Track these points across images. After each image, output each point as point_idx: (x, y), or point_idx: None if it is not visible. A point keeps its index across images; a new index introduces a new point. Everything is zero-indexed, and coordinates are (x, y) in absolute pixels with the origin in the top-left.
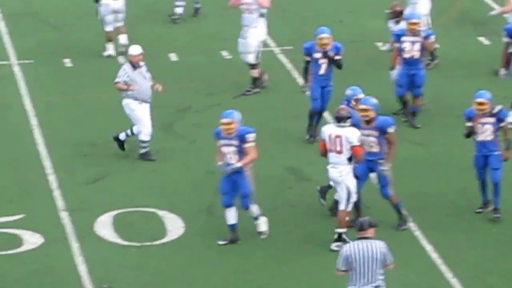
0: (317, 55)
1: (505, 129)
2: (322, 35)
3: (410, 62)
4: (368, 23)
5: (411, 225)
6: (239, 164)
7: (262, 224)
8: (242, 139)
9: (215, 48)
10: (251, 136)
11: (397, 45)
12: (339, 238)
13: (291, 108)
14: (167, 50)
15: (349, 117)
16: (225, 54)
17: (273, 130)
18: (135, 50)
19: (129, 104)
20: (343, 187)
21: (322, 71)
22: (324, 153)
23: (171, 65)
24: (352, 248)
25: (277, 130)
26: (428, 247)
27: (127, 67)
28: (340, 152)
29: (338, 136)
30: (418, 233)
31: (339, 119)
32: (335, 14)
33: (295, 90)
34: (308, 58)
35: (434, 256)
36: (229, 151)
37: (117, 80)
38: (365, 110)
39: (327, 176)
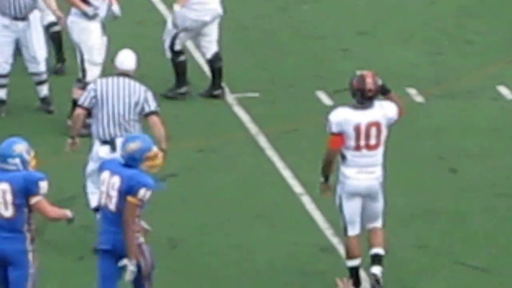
0: None
1: None
2: None
3: None
4: None
5: None
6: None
7: None
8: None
9: None
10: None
11: None
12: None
13: None
14: None
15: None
16: None
17: None
18: None
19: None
20: (381, 201)
21: None
22: (335, 154)
23: None
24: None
25: None
26: None
27: None
28: (376, 147)
29: (375, 124)
30: None
31: (368, 97)
32: None
33: None
34: None
35: None
36: None
37: None
38: None
39: (347, 190)
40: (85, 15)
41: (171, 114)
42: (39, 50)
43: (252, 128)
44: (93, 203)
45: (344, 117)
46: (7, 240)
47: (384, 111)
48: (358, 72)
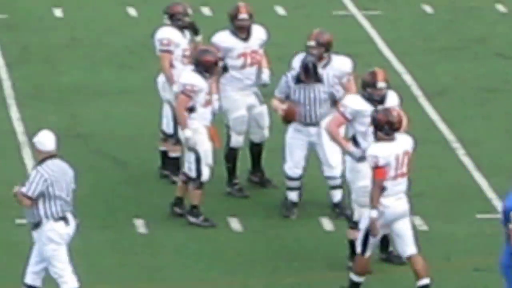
0: None
1: None
2: None
3: None
4: None
5: None
6: None
7: None
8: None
9: None
10: None
11: None
12: None
13: None
14: None
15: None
16: None
17: None
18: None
19: None
20: (408, 223)
21: None
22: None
23: None
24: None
25: None
26: None
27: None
28: (406, 174)
29: (407, 153)
30: None
31: (396, 127)
32: None
33: None
34: None
35: None
36: None
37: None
38: None
39: (387, 218)
40: None
41: (447, 232)
42: (332, 155)
43: None
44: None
45: (389, 150)
46: None
47: (408, 139)
48: (380, 106)
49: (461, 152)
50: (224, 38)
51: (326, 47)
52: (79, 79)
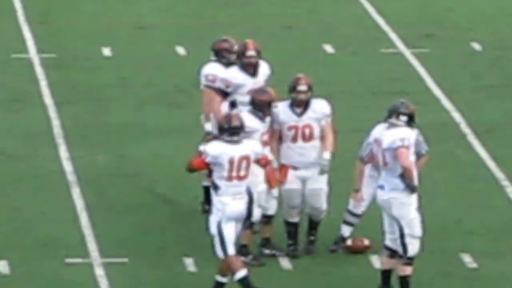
0: None
1: None
2: None
3: None
4: None
5: None
6: None
7: None
8: None
9: None
10: None
11: None
12: None
13: None
14: None
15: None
16: None
17: None
18: None
19: None
20: (239, 227)
21: None
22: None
23: None
24: None
25: None
26: None
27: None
28: (245, 177)
29: (246, 158)
30: None
31: (235, 131)
32: None
33: None
34: None
35: None
36: None
37: None
38: None
39: (227, 215)
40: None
41: (498, 270)
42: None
43: None
44: None
45: (219, 150)
46: None
47: (253, 145)
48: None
49: (510, 190)
50: (235, 74)
51: (312, 90)
52: (127, 118)
